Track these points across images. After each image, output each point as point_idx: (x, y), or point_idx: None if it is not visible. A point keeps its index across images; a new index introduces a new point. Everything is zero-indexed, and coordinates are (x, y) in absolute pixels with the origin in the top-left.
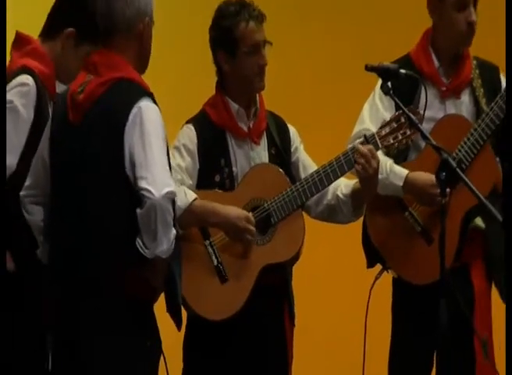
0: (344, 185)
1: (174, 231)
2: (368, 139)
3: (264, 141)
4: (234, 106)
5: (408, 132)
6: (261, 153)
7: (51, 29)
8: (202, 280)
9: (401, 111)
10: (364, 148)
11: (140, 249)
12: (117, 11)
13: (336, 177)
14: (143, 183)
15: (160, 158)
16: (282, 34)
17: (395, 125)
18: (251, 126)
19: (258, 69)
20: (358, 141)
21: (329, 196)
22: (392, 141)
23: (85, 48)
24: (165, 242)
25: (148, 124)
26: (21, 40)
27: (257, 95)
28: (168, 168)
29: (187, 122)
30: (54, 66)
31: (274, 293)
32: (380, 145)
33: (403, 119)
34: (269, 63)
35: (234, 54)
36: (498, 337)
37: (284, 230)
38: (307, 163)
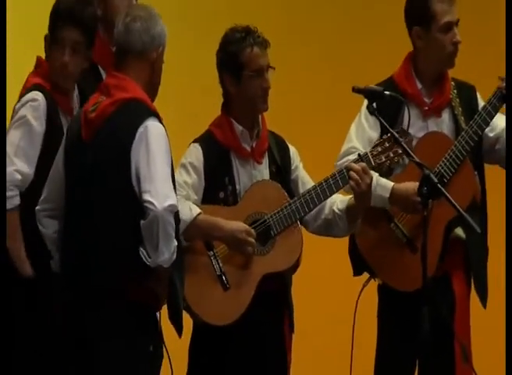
0: (340, 201)
1: (175, 242)
2: (361, 157)
3: (265, 160)
4: (238, 127)
5: (399, 151)
6: (263, 172)
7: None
8: (206, 288)
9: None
10: (358, 166)
11: (143, 258)
12: (133, 33)
13: (332, 193)
14: (146, 196)
15: (163, 172)
16: (284, 59)
17: (387, 144)
18: (254, 146)
19: (262, 92)
20: (352, 159)
21: (326, 211)
22: (384, 159)
23: (55, 45)
24: (167, 252)
25: (153, 141)
26: (40, 64)
27: (260, 116)
28: (171, 182)
29: (194, 141)
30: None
31: (274, 300)
32: (373, 163)
33: None
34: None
35: (239, 77)
36: (476, 342)
37: (283, 242)
38: (306, 180)
